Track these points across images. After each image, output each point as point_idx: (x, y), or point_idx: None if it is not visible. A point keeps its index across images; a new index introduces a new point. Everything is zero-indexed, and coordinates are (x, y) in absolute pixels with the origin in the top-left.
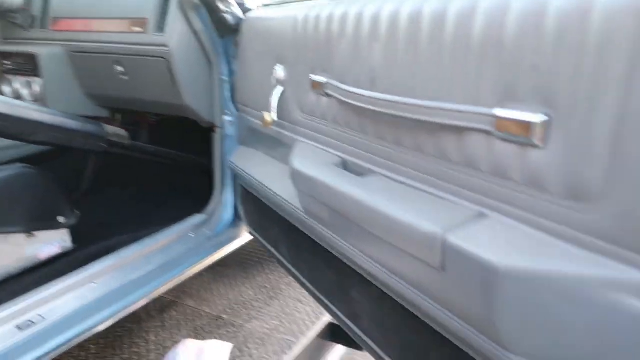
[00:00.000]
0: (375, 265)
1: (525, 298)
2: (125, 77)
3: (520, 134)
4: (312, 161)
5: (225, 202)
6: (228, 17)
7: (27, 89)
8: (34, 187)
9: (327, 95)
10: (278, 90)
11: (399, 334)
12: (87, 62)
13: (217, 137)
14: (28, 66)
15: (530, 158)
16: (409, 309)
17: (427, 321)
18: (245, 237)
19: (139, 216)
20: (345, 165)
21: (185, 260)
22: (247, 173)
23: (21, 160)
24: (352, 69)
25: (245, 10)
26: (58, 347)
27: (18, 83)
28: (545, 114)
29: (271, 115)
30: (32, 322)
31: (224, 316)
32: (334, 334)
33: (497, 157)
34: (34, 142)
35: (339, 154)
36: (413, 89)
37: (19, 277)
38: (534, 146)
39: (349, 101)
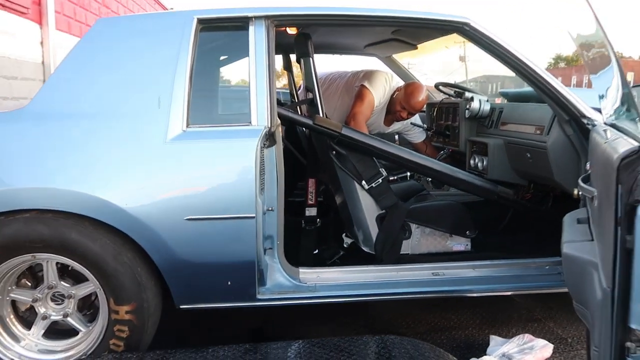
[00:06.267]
0: None
1: None
2: (531, 160)
3: None
4: None
5: None
6: (589, 126)
7: (480, 162)
8: (459, 212)
9: None
10: None
11: None
12: (513, 149)
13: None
14: (483, 149)
15: None
16: None
17: None
18: None
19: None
20: None
21: (533, 281)
22: None
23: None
24: None
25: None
26: (445, 292)
27: (476, 159)
28: None
29: None
30: (438, 274)
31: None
32: None
33: None
34: (460, 189)
35: None
36: None
37: (442, 254)
38: None
39: None
